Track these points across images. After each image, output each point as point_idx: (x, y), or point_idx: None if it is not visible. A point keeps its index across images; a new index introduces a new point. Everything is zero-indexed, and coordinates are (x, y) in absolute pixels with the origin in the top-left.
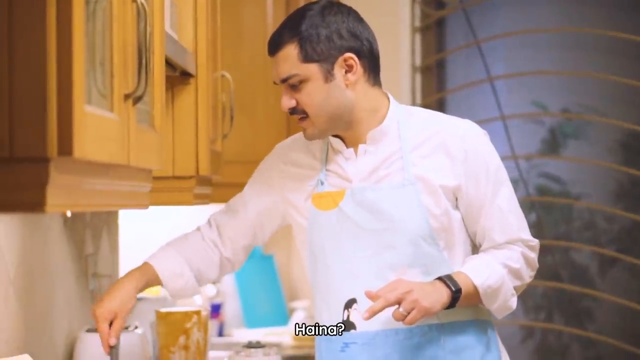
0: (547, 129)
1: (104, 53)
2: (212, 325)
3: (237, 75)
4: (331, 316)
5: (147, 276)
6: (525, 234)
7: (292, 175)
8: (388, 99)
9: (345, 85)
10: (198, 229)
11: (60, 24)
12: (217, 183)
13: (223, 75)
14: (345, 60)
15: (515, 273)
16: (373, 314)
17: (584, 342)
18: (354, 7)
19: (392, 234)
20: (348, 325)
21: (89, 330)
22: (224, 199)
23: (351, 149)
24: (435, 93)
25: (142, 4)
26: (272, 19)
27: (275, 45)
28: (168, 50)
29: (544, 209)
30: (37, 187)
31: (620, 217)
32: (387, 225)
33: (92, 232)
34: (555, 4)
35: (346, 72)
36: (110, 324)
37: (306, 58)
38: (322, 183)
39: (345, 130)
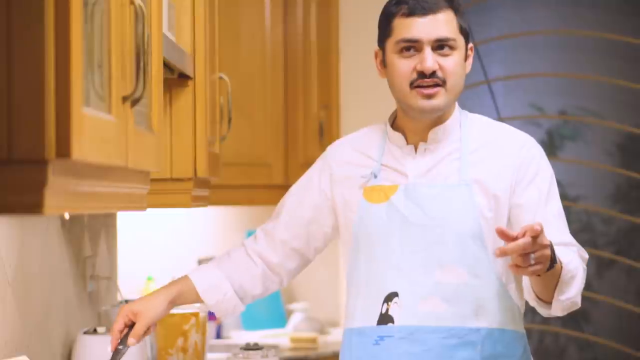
0: (544, 131)
1: (102, 55)
2: (210, 327)
3: (235, 77)
4: (367, 309)
5: (182, 287)
6: (578, 244)
7: (343, 169)
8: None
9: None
10: (242, 244)
11: (59, 26)
12: (215, 185)
13: (221, 78)
14: (471, 48)
15: (584, 270)
16: (504, 254)
17: (581, 344)
18: (351, 8)
19: (441, 231)
20: (386, 318)
21: (87, 332)
22: (222, 201)
23: (411, 145)
24: None
25: (140, 6)
26: (270, 22)
27: (434, 5)
28: (166, 53)
29: None
30: (35, 189)
31: (617, 219)
32: (437, 222)
33: (90, 234)
34: (552, 6)
35: (466, 59)
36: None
37: (460, 29)
38: (375, 176)
39: (438, 117)
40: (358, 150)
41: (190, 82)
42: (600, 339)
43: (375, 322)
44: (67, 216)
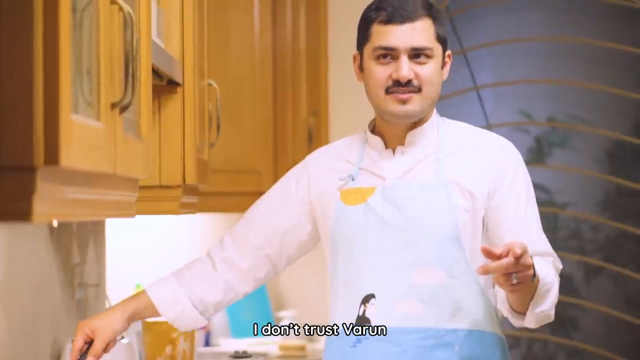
0: (533, 137)
1: (90, 62)
2: (199, 335)
3: (224, 83)
4: (345, 311)
5: (139, 302)
6: (554, 253)
7: (322, 172)
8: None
9: (442, 78)
10: (206, 253)
11: (47, 33)
12: (204, 192)
13: (210, 84)
14: (449, 56)
15: (558, 281)
16: (486, 272)
17: (569, 351)
18: (340, 13)
19: (418, 232)
20: (363, 320)
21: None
22: (210, 208)
23: (390, 150)
24: None
25: (129, 12)
26: (259, 28)
27: (412, 13)
28: (155, 59)
29: None
30: (24, 196)
31: (605, 226)
32: (414, 223)
33: (78, 241)
34: (541, 12)
35: (443, 67)
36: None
37: (438, 38)
38: (352, 179)
39: (418, 120)
40: (337, 157)
41: (179, 89)
42: (588, 346)
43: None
44: (55, 223)
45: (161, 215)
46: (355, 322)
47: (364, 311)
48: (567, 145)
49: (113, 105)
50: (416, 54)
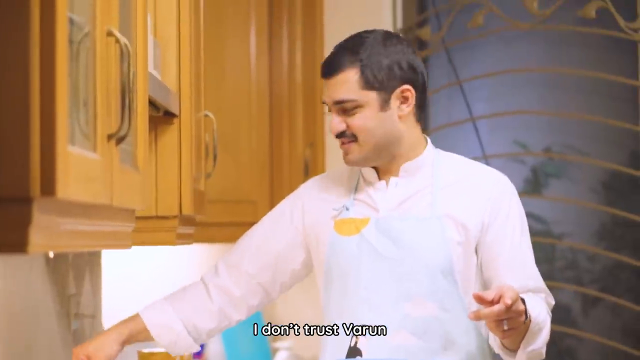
0: (529, 168)
1: (87, 93)
2: None
3: (220, 114)
4: (338, 342)
5: (133, 326)
6: (547, 289)
7: (316, 201)
8: (426, 139)
9: (399, 116)
10: (200, 279)
11: (44, 64)
12: (201, 222)
13: (206, 115)
14: (402, 91)
15: (550, 317)
16: (478, 318)
17: None
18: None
19: (411, 264)
20: (354, 352)
21: None
22: (207, 239)
23: (383, 182)
24: None
25: (125, 44)
26: (255, 60)
27: (333, 67)
28: (151, 91)
29: None
30: (20, 227)
31: (602, 256)
32: (407, 255)
33: (74, 272)
34: (537, 44)
35: (401, 103)
36: None
37: (366, 85)
38: (347, 209)
39: (386, 161)
40: (331, 187)
41: (175, 120)
42: None
43: (345, 356)
44: (51, 254)
45: (158, 246)
46: (347, 354)
47: (356, 342)
48: (563, 175)
49: (110, 137)
50: (341, 107)
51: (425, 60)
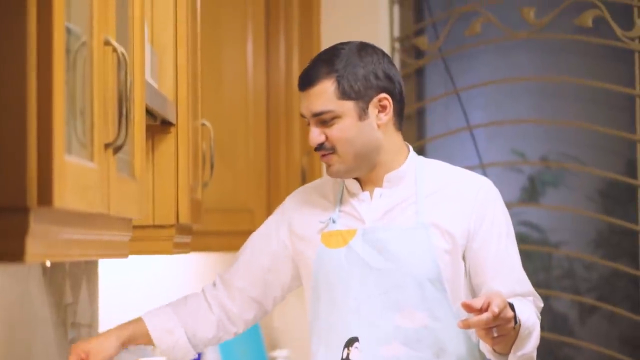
0: (526, 177)
1: (84, 102)
2: None
3: (217, 123)
4: (328, 355)
5: (134, 328)
6: (534, 292)
7: (302, 215)
8: (408, 147)
9: (377, 125)
10: (201, 289)
11: (41, 73)
12: (198, 231)
13: (203, 124)
14: (380, 100)
15: (539, 320)
16: (467, 327)
17: None
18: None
19: (399, 275)
20: None
21: None
22: (204, 248)
23: (367, 192)
24: (415, 141)
25: (122, 53)
26: (252, 68)
27: (309, 80)
28: (148, 100)
29: (523, 257)
30: (17, 236)
31: (599, 265)
32: (395, 266)
33: (71, 281)
34: (533, 53)
35: (379, 112)
36: None
37: (343, 95)
38: (333, 221)
39: (367, 171)
40: (316, 199)
41: (172, 129)
42: None
43: None
44: (48, 263)
45: (154, 255)
46: None
47: (348, 354)
48: (560, 184)
49: (106, 146)
50: (319, 119)
51: (422, 69)
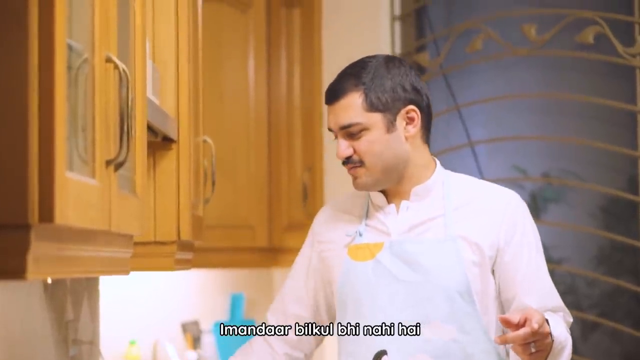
0: (527, 193)
1: (85, 119)
2: None
3: (218, 140)
4: None
5: None
6: (564, 307)
7: (328, 232)
8: (435, 160)
9: (405, 137)
10: (260, 329)
11: (43, 90)
12: (199, 248)
13: (205, 140)
14: (407, 112)
15: (570, 340)
16: (504, 342)
17: None
18: (335, 70)
19: (428, 288)
20: None
21: None
22: (205, 264)
23: (392, 205)
24: None
25: (124, 70)
26: (254, 85)
27: (337, 93)
28: (150, 116)
29: None
30: (18, 254)
31: (601, 281)
32: (424, 278)
33: (72, 298)
34: (535, 69)
35: (407, 124)
36: None
37: (371, 107)
38: (360, 235)
39: (394, 183)
40: (340, 214)
41: (174, 145)
42: None
43: None
44: (49, 280)
45: (156, 272)
46: None
47: None
48: (561, 200)
49: (108, 163)
50: (347, 132)
51: None
